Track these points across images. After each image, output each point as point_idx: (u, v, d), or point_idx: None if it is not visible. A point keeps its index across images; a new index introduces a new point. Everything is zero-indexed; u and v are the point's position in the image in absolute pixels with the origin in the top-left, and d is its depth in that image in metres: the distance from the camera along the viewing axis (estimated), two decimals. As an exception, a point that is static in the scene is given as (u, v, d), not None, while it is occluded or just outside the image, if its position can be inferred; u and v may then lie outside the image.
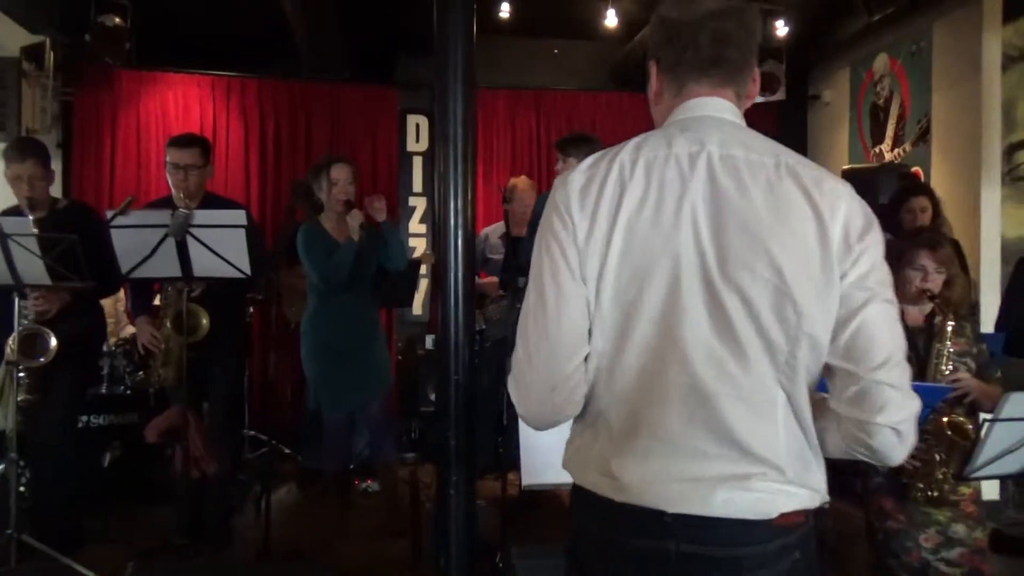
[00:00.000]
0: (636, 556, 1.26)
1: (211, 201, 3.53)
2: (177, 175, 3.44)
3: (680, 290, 1.23)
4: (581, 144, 3.57)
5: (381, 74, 5.92)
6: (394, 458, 4.12)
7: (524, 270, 1.39)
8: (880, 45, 5.46)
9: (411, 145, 5.87)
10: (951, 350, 2.46)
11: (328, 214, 3.78)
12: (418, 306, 5.67)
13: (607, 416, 1.30)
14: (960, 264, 2.87)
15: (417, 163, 5.88)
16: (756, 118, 6.04)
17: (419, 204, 5.88)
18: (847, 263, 1.21)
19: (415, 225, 5.87)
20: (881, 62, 5.48)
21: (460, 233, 3.06)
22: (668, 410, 1.24)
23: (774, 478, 1.22)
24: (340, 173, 3.72)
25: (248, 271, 3.08)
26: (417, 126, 5.86)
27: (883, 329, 1.22)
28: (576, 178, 1.30)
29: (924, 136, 5.01)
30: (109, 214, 3.02)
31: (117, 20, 4.88)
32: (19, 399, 3.20)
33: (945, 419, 2.38)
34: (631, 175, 1.26)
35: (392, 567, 3.41)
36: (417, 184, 5.88)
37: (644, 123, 1.33)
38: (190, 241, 3.02)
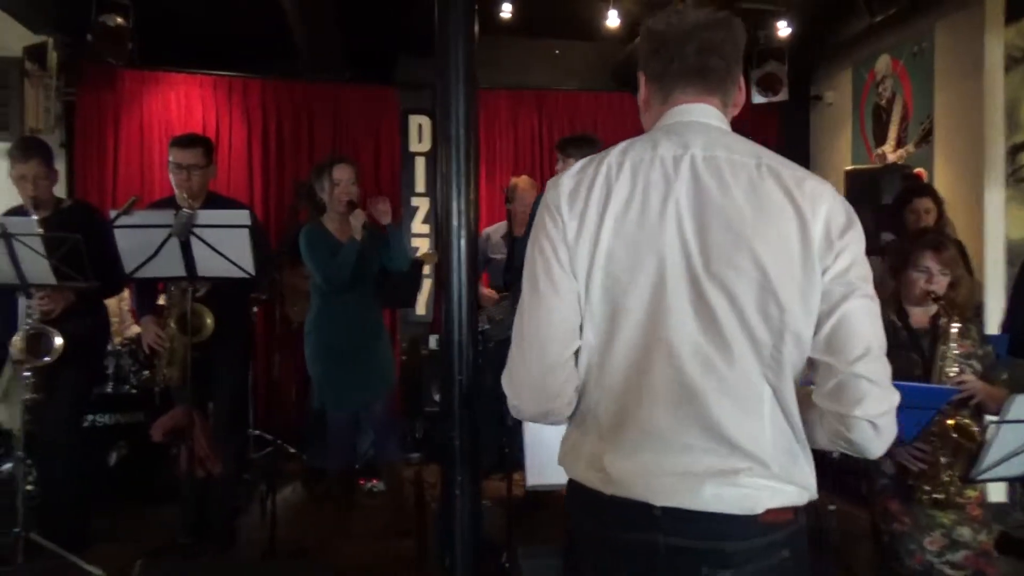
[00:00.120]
0: (625, 549, 1.29)
1: (214, 201, 3.54)
2: (180, 175, 3.44)
3: (666, 287, 1.27)
4: (582, 145, 3.58)
5: (383, 74, 5.92)
6: (399, 458, 4.13)
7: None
8: (882, 46, 5.46)
9: (413, 145, 5.88)
10: (956, 352, 2.45)
11: (331, 214, 3.78)
12: (421, 306, 5.67)
13: (597, 411, 1.34)
14: (965, 265, 2.87)
15: (419, 163, 5.89)
16: (758, 119, 6.05)
17: (422, 204, 5.89)
18: (828, 259, 1.25)
19: (418, 225, 5.88)
20: (883, 63, 5.48)
21: (463, 233, 3.06)
22: (656, 405, 1.27)
23: (760, 473, 1.25)
24: (342, 173, 3.73)
25: (252, 271, 3.08)
26: (419, 126, 5.87)
27: (862, 323, 1.25)
28: (566, 181, 1.35)
29: (927, 137, 5.02)
30: (113, 214, 3.02)
31: (119, 20, 4.88)
32: (25, 398, 3.21)
33: (951, 421, 2.38)
34: (617, 177, 1.31)
35: (397, 567, 3.42)
36: (420, 184, 5.88)
37: (645, 123, 1.36)
38: (194, 241, 3.02)
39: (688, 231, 1.27)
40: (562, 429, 1.43)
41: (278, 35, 5.12)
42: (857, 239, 1.27)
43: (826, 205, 1.26)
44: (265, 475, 4.30)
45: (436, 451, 4.45)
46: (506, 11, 5.36)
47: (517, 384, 1.37)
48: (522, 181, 4.71)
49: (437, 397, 4.73)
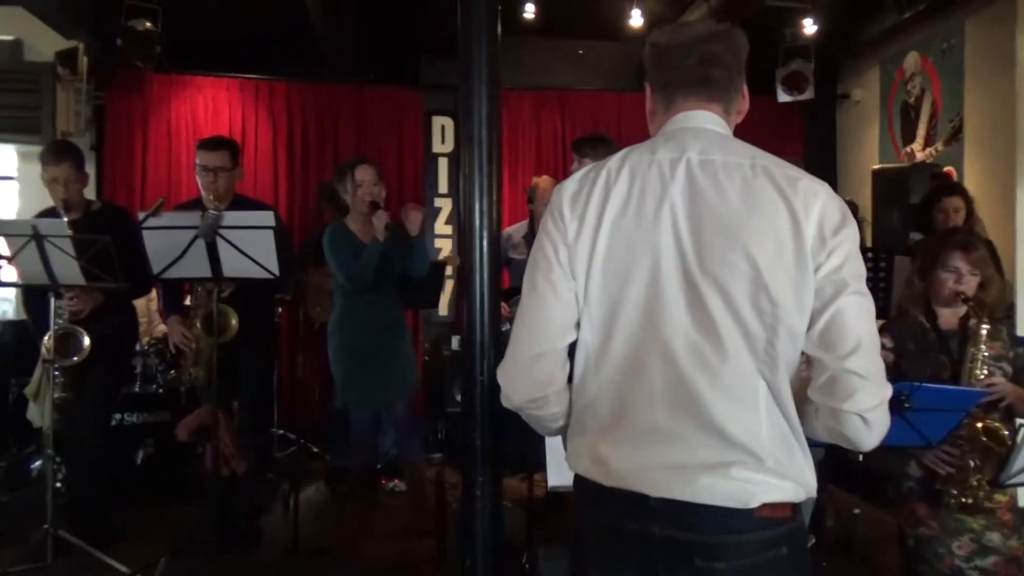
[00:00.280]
0: (624, 540, 1.34)
1: (240, 203, 3.57)
2: (206, 177, 3.48)
3: (661, 284, 1.32)
4: (597, 145, 3.58)
5: (406, 76, 5.95)
6: (420, 458, 4.14)
7: None
8: (911, 43, 5.38)
9: (436, 146, 5.89)
10: (986, 354, 2.41)
11: (354, 215, 3.80)
12: (444, 307, 5.69)
13: (596, 406, 1.39)
14: (995, 266, 2.81)
15: (442, 164, 5.90)
16: (784, 118, 5.99)
17: (445, 205, 5.90)
18: (822, 256, 1.28)
19: (441, 226, 5.89)
20: (912, 60, 5.39)
21: (485, 234, 3.05)
22: (652, 400, 1.32)
23: (754, 467, 1.28)
24: (364, 174, 3.74)
25: (276, 272, 3.11)
26: (442, 127, 5.88)
27: (853, 320, 1.28)
28: (569, 185, 1.43)
29: (956, 135, 4.93)
30: (141, 216, 3.06)
31: (148, 25, 4.96)
32: (55, 397, 3.26)
33: (980, 424, 2.34)
34: (616, 180, 1.37)
35: (418, 567, 3.43)
36: (442, 185, 5.90)
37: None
38: (219, 242, 3.05)
39: (683, 231, 1.31)
40: None
41: (303, 38, 5.17)
42: (851, 237, 1.30)
43: (819, 203, 1.30)
44: (288, 474, 4.35)
45: (457, 451, 4.46)
46: (529, 11, 5.35)
47: (508, 371, 1.43)
48: (543, 181, 4.69)
49: (459, 397, 4.74)
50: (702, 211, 1.31)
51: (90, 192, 4.42)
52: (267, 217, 3.08)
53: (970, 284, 2.47)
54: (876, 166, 5.35)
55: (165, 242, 3.08)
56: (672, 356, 1.31)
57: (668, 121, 1.44)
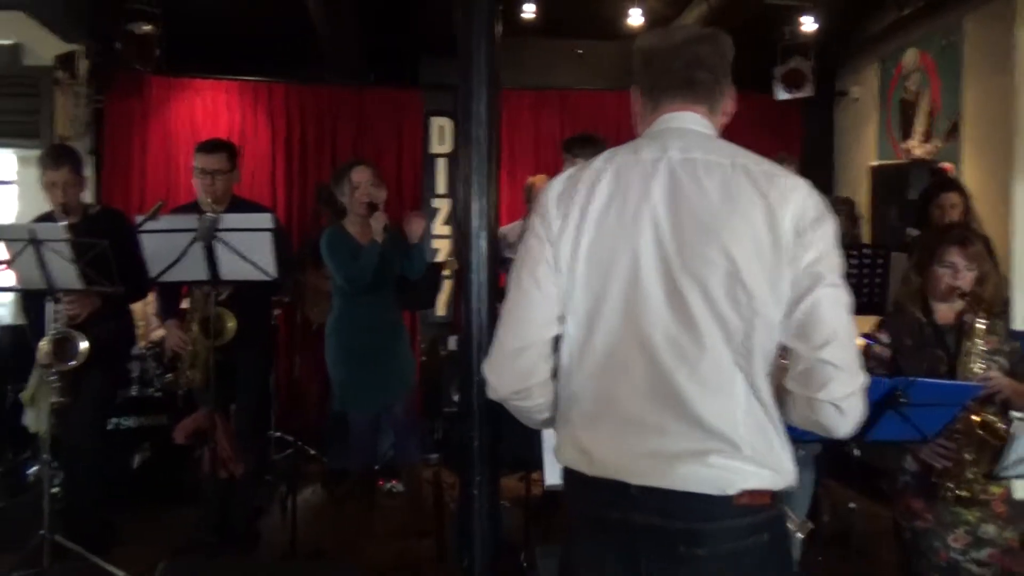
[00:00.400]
0: (607, 528, 1.39)
1: (238, 205, 3.58)
2: (204, 180, 3.49)
3: (641, 279, 1.36)
4: (587, 144, 3.60)
5: (405, 76, 5.96)
6: (418, 459, 4.14)
7: None
8: (909, 40, 5.37)
9: (435, 147, 5.90)
10: (982, 348, 2.40)
11: (352, 217, 3.80)
12: (441, 307, 5.69)
13: (579, 398, 1.43)
14: (991, 261, 2.80)
15: (441, 165, 5.91)
16: (783, 115, 5.96)
17: (443, 206, 5.91)
18: (799, 249, 1.32)
19: (439, 227, 5.89)
20: (911, 57, 5.38)
21: (483, 235, 3.06)
22: (632, 391, 1.36)
23: (732, 455, 1.32)
24: (361, 176, 3.74)
25: (274, 274, 3.10)
26: (441, 128, 5.88)
27: (828, 312, 1.32)
28: (556, 184, 1.49)
29: (954, 132, 4.92)
30: (139, 219, 3.06)
31: (147, 28, 4.96)
32: (51, 402, 3.26)
33: (976, 418, 2.33)
34: (600, 179, 1.42)
35: (417, 567, 3.43)
36: (441, 186, 5.90)
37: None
38: (217, 245, 3.05)
39: (663, 227, 1.36)
40: None
41: (302, 40, 5.18)
42: (828, 232, 1.35)
43: (797, 199, 1.34)
44: (286, 476, 4.35)
45: (455, 451, 4.46)
46: (528, 11, 5.36)
47: (493, 363, 1.48)
48: (539, 180, 4.70)
49: (456, 397, 4.74)
50: (682, 208, 1.36)
51: (88, 196, 4.42)
52: (265, 219, 3.08)
53: (967, 279, 2.47)
54: (874, 163, 5.35)
55: (163, 245, 3.08)
56: (651, 349, 1.35)
57: (653, 122, 1.49)
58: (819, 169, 6.11)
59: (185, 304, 3.68)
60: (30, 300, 3.53)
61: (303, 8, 4.71)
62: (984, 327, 2.41)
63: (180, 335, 3.49)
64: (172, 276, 3.15)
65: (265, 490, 4.17)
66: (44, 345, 3.27)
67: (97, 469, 3.51)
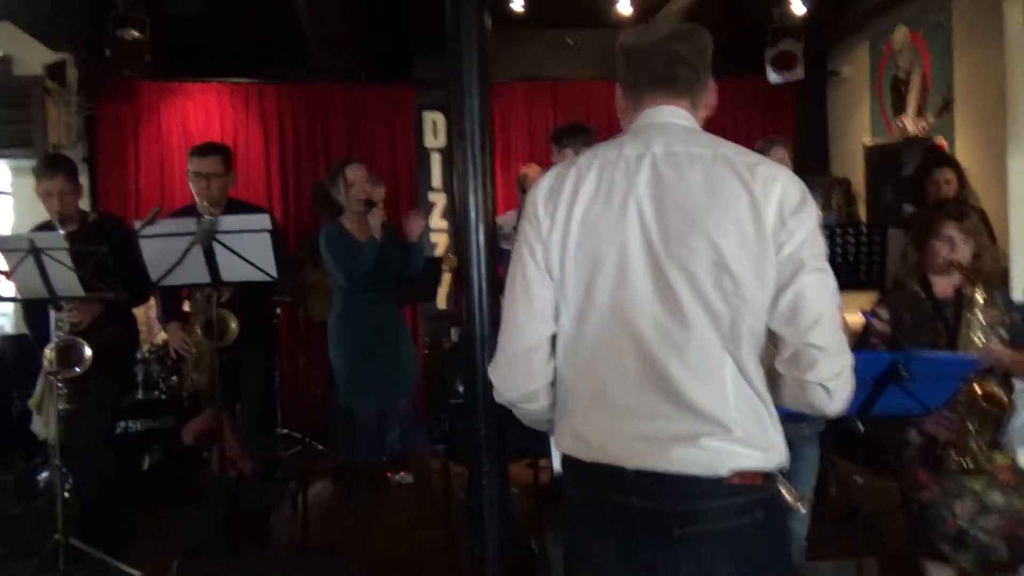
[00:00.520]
0: (605, 511, 1.43)
1: (234, 207, 3.58)
2: (200, 183, 3.50)
3: (629, 272, 1.40)
4: (576, 134, 3.60)
5: (396, 73, 5.95)
6: (426, 450, 4.17)
7: None
8: (899, 18, 5.37)
9: (429, 141, 5.89)
10: (981, 320, 2.43)
11: (349, 215, 3.81)
12: (442, 300, 5.70)
13: (575, 388, 1.47)
14: (988, 234, 2.83)
15: (435, 159, 5.91)
16: (775, 98, 5.97)
17: (439, 199, 5.91)
18: (782, 236, 1.36)
19: (436, 220, 5.90)
20: (901, 35, 5.39)
21: (481, 227, 3.07)
22: (624, 378, 1.41)
23: (723, 437, 1.35)
24: (355, 173, 3.76)
25: (275, 274, 3.12)
26: (434, 122, 5.88)
27: (813, 297, 1.36)
28: (543, 183, 1.53)
29: (947, 107, 4.93)
30: (137, 224, 3.07)
31: (135, 34, 4.96)
32: (59, 408, 3.28)
33: (978, 389, 2.36)
34: (586, 176, 1.46)
35: (428, 556, 3.45)
36: (436, 180, 5.91)
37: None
38: (216, 247, 3.06)
39: (648, 220, 1.40)
40: None
41: (292, 40, 5.17)
42: (810, 217, 1.39)
43: (778, 187, 1.37)
44: (295, 473, 4.37)
45: (462, 443, 4.48)
46: (517, 3, 5.35)
47: (499, 368, 1.54)
48: (531, 170, 4.71)
49: (461, 389, 4.76)
50: (666, 201, 1.39)
51: (84, 203, 4.42)
52: (263, 220, 3.09)
53: (963, 252, 2.50)
54: (868, 141, 5.37)
55: (162, 250, 3.08)
56: (641, 338, 1.39)
57: (636, 118, 1.52)
58: (814, 149, 6.13)
59: (186, 307, 3.69)
60: (32, 309, 3.54)
61: (291, 8, 4.71)
62: (982, 299, 2.44)
63: (183, 338, 3.51)
64: (173, 280, 3.15)
65: (275, 487, 4.19)
66: (49, 353, 3.29)
67: (107, 473, 3.53)
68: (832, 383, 1.36)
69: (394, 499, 4.20)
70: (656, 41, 1.49)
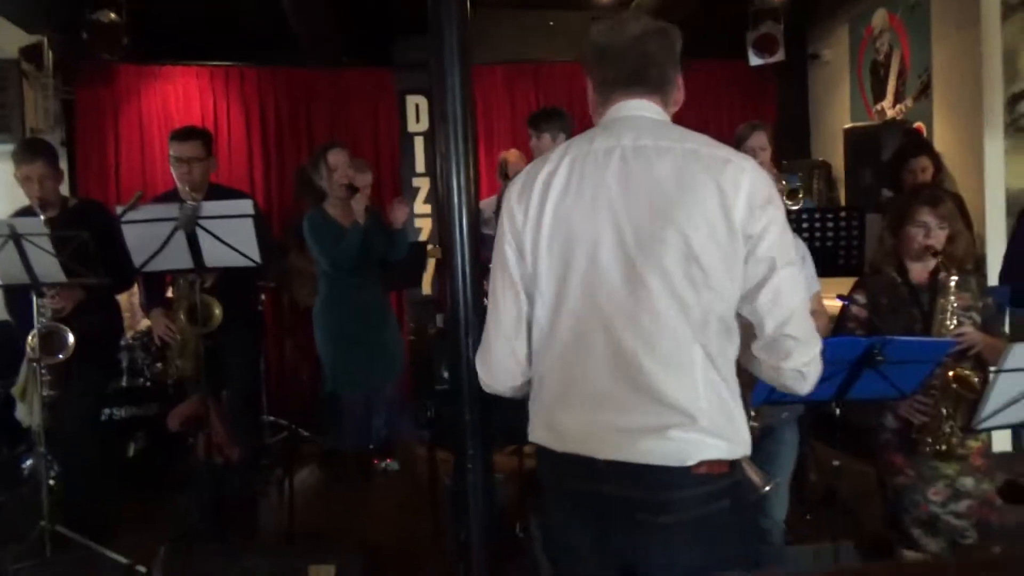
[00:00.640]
0: (578, 500, 1.48)
1: (216, 192, 3.57)
2: (180, 168, 3.48)
3: (600, 263, 1.43)
4: (552, 118, 3.64)
5: (378, 56, 5.90)
6: (412, 437, 4.20)
7: None
8: (878, 1, 5.41)
9: (411, 126, 5.86)
10: (955, 305, 2.47)
11: (332, 200, 3.81)
12: (427, 285, 5.71)
13: (548, 378, 1.51)
14: (963, 219, 2.87)
15: (419, 143, 5.88)
16: (756, 81, 5.99)
17: (423, 184, 5.89)
18: (752, 228, 1.40)
19: (420, 205, 5.89)
20: (880, 18, 5.42)
21: (464, 212, 3.07)
22: (596, 370, 1.44)
23: (690, 428, 1.40)
24: (337, 158, 3.74)
25: (258, 259, 3.11)
26: (416, 106, 5.85)
27: (786, 292, 1.42)
28: (517, 180, 1.57)
29: (925, 90, 4.98)
30: (119, 210, 3.05)
31: (112, 16, 4.88)
32: (43, 395, 3.27)
33: (951, 373, 2.41)
34: (557, 170, 1.49)
35: (415, 542, 3.49)
36: (420, 164, 5.89)
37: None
38: (200, 232, 3.05)
39: (619, 213, 1.42)
40: None
41: (272, 22, 5.11)
42: (777, 209, 1.43)
43: (747, 180, 1.41)
44: (282, 459, 4.39)
45: (447, 428, 4.51)
46: (498, -15, 5.33)
47: (487, 365, 1.61)
48: (511, 155, 4.73)
49: (447, 375, 4.78)
50: (636, 194, 1.42)
51: (63, 188, 4.37)
52: (246, 206, 3.08)
53: (939, 238, 2.53)
54: (847, 125, 5.41)
55: (145, 235, 3.07)
56: (612, 329, 1.42)
57: (606, 112, 1.55)
58: (795, 133, 6.17)
59: (170, 293, 3.68)
60: (14, 295, 3.52)
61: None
62: (956, 284, 2.48)
63: (167, 324, 3.50)
64: (156, 265, 3.14)
65: (261, 474, 4.21)
66: (32, 339, 3.27)
67: (92, 460, 3.53)
68: (806, 368, 1.44)
69: (380, 485, 4.23)
70: (628, 40, 1.51)
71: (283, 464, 4.16)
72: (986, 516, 2.44)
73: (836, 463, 2.47)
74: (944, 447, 2.41)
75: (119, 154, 5.56)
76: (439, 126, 3.10)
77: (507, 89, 6.14)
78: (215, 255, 3.10)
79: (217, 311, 3.41)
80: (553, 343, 1.49)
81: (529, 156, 5.56)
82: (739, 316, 1.45)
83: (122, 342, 4.29)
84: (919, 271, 2.60)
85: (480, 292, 3.16)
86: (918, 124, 4.85)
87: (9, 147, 3.85)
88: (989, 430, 2.27)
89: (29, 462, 4.05)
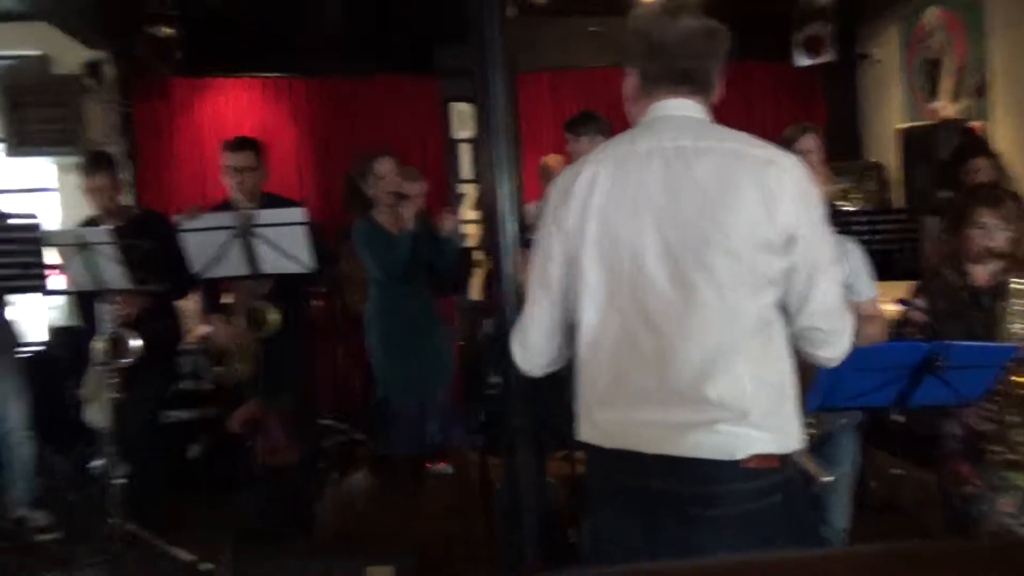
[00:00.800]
0: (627, 495, 1.49)
1: (269, 201, 3.66)
2: (234, 178, 3.57)
3: (645, 263, 1.45)
4: (588, 122, 3.67)
5: (423, 64, 5.97)
6: (464, 442, 4.22)
7: None
8: (929, -2, 5.30)
9: (457, 132, 5.92)
10: (1019, 308, 2.41)
11: (380, 208, 3.86)
12: (476, 291, 5.74)
13: (595, 377, 1.53)
14: (1025, 220, 2.80)
15: (464, 150, 5.92)
16: (804, 82, 5.88)
17: (469, 191, 5.93)
18: (795, 227, 1.41)
19: (466, 212, 5.93)
20: (931, 15, 5.31)
21: (511, 219, 3.09)
22: (643, 367, 1.46)
23: (739, 422, 1.40)
24: (385, 167, 3.78)
25: (312, 265, 3.19)
26: (461, 113, 5.89)
27: (825, 293, 1.46)
28: (559, 181, 1.58)
29: (981, 89, 4.86)
30: (178, 219, 3.16)
31: (167, 31, 5.03)
32: (111, 397, 3.39)
33: (1016, 379, 2.35)
34: (600, 171, 1.50)
35: (467, 546, 3.52)
36: (465, 171, 5.93)
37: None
38: (254, 240, 3.14)
39: (662, 214, 1.44)
40: None
41: (320, 34, 5.22)
42: (819, 208, 1.47)
43: (789, 180, 1.43)
44: (337, 462, 4.45)
45: (498, 433, 4.53)
46: (541, -7, 5.34)
47: (523, 351, 1.64)
48: (551, 160, 4.74)
49: (496, 380, 4.80)
50: (678, 195, 1.44)
51: (126, 198, 4.53)
52: (298, 214, 3.17)
53: (1000, 240, 2.48)
54: (901, 125, 5.31)
55: (203, 243, 3.18)
56: (658, 327, 1.44)
57: (648, 109, 1.55)
58: (845, 134, 6.06)
59: (228, 299, 3.77)
60: (83, 301, 3.65)
61: (318, 2, 4.75)
62: (1021, 287, 2.42)
63: (227, 329, 3.59)
64: (214, 272, 3.25)
65: (317, 476, 4.29)
66: (99, 344, 3.40)
67: (156, 460, 3.66)
68: (839, 357, 1.54)
69: (433, 489, 4.26)
70: (679, 38, 1.51)
71: (338, 466, 4.23)
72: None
73: (897, 471, 2.41)
74: (1014, 456, 2.34)
75: (177, 164, 5.73)
76: (484, 136, 3.13)
77: (552, 96, 6.17)
78: (270, 262, 3.19)
79: (273, 316, 3.49)
80: (600, 342, 1.50)
81: (568, 160, 5.57)
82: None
83: (182, 347, 4.41)
84: (980, 274, 2.54)
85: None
86: (975, 123, 4.73)
87: (73, 160, 4.01)
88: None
89: (99, 462, 4.19)
